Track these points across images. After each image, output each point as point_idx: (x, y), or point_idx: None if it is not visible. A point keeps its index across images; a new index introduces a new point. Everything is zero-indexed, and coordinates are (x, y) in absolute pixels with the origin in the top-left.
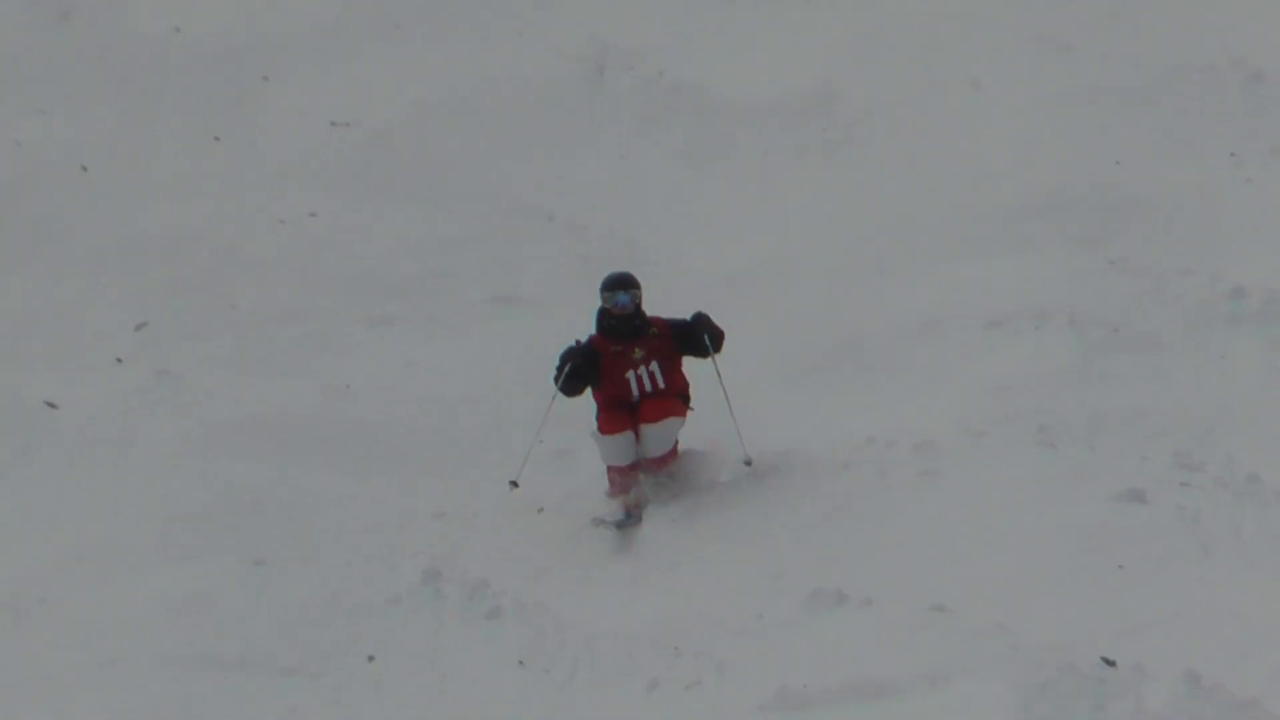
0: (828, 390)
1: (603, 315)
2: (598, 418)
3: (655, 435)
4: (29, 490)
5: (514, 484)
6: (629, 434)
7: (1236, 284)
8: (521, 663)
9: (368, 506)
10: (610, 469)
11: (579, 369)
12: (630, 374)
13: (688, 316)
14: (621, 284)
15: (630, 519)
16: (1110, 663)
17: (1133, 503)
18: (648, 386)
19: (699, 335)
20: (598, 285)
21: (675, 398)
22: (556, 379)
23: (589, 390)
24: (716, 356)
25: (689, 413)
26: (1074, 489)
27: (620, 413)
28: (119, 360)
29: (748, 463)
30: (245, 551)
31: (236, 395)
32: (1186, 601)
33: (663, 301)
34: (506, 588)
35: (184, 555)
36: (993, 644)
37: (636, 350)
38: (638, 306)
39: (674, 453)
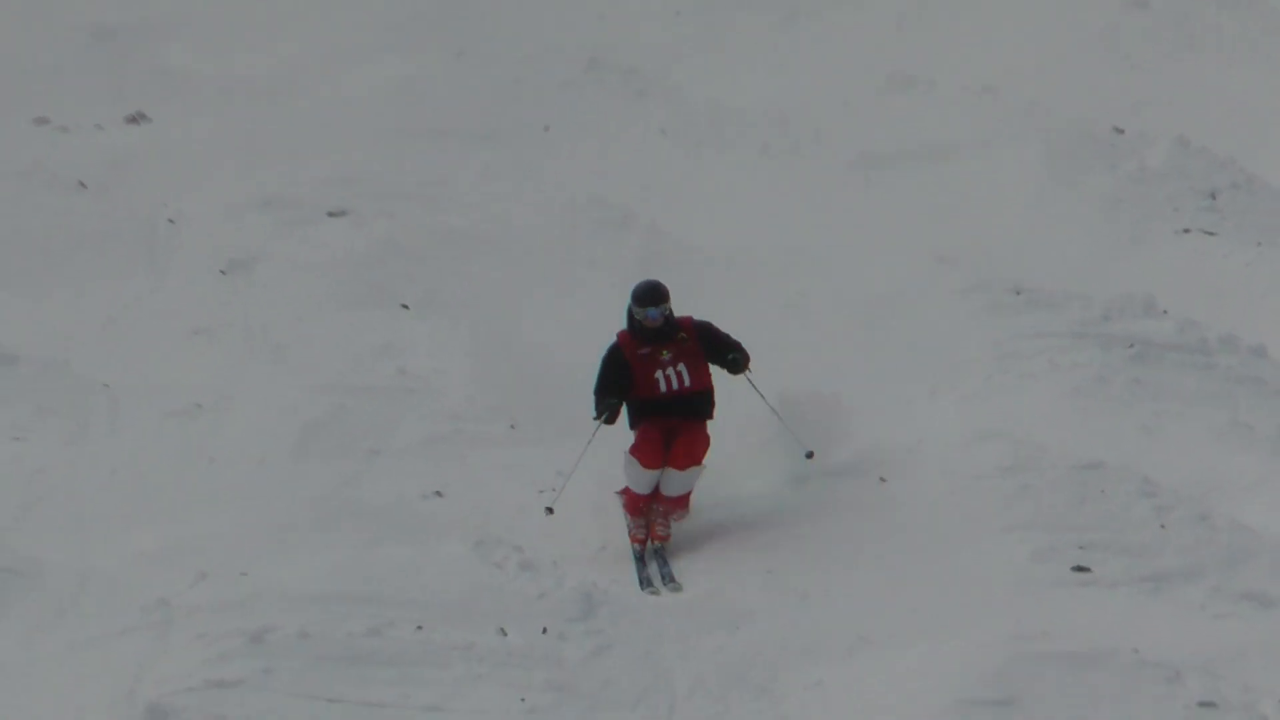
0: None
1: (632, 317)
2: (635, 443)
3: (678, 480)
4: None
5: (549, 510)
6: (659, 471)
7: None
8: (663, 131)
9: (545, 11)
10: (629, 491)
11: (615, 405)
12: (659, 374)
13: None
14: (651, 299)
15: (648, 580)
16: (1120, 131)
17: (1138, 8)
18: (674, 384)
19: (724, 354)
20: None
21: (706, 408)
22: (596, 415)
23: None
24: (749, 374)
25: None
26: (1089, 3)
27: (657, 445)
28: None
29: (809, 455)
30: (448, 45)
31: None
32: (1179, 85)
33: None
34: (653, 71)
35: (399, 49)
36: (1029, 117)
37: (665, 352)
38: (667, 318)
39: (687, 504)
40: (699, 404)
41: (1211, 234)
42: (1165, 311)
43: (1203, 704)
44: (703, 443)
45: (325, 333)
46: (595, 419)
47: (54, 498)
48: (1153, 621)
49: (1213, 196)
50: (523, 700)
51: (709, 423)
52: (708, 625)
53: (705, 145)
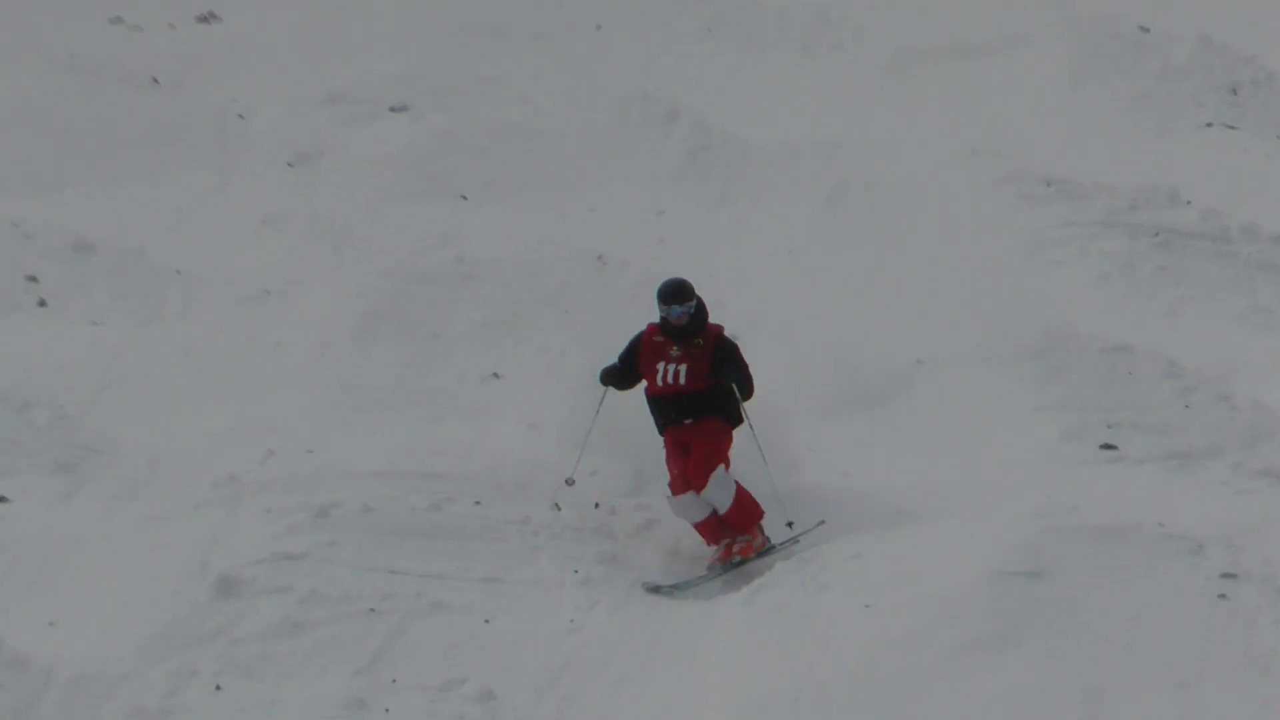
0: None
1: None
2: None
3: (711, 493)
4: None
5: (569, 481)
6: (691, 495)
7: None
8: (709, 30)
9: None
10: (695, 527)
11: (616, 372)
12: (660, 364)
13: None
14: (676, 297)
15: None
16: (1145, 29)
17: None
18: (669, 379)
19: (722, 371)
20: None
21: (714, 404)
22: (601, 380)
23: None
24: (745, 406)
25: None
26: None
27: (678, 471)
28: None
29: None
30: None
31: None
32: None
33: None
34: None
35: None
36: (1058, 16)
37: (674, 348)
38: (692, 316)
39: (749, 507)
40: (705, 401)
41: (1233, 128)
42: (1189, 202)
43: (1224, 575)
44: (712, 447)
45: (387, 222)
46: (601, 384)
47: (129, 380)
48: (1177, 497)
49: (1234, 92)
50: (576, 572)
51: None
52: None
53: (749, 44)
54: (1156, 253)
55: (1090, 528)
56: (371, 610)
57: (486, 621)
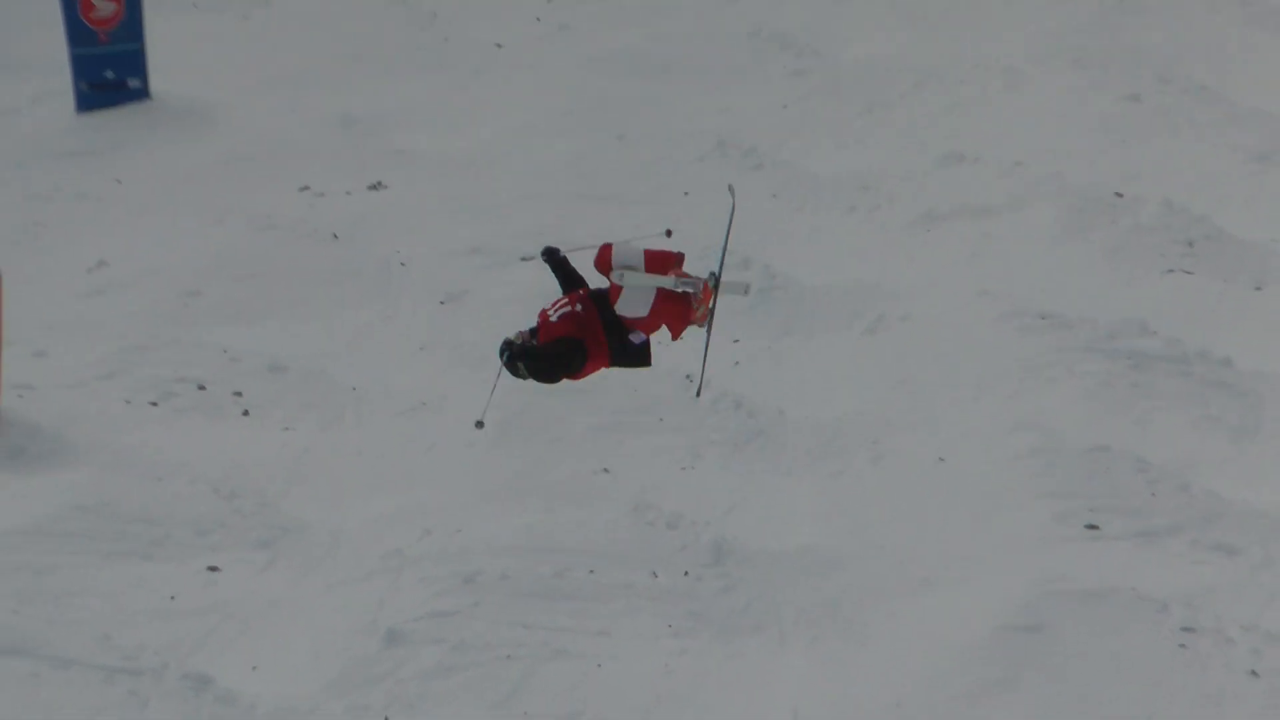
0: None
1: None
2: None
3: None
4: (480, 94)
5: (479, 424)
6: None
7: None
8: (774, 195)
9: (684, 105)
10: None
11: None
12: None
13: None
14: None
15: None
16: (1119, 195)
17: (1132, 101)
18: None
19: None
20: None
21: None
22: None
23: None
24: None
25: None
26: (1095, 98)
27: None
28: (538, 19)
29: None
30: (611, 130)
31: (607, 39)
32: (1164, 160)
33: None
34: (767, 149)
35: (571, 132)
36: (1050, 185)
37: None
38: None
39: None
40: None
41: (1190, 273)
42: (1155, 332)
43: (1184, 629)
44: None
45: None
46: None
47: (314, 473)
48: (1146, 566)
49: (1190, 245)
50: (669, 626)
51: None
52: (808, 571)
53: (808, 200)
54: (1129, 373)
55: (1078, 591)
56: (508, 657)
57: (599, 666)
